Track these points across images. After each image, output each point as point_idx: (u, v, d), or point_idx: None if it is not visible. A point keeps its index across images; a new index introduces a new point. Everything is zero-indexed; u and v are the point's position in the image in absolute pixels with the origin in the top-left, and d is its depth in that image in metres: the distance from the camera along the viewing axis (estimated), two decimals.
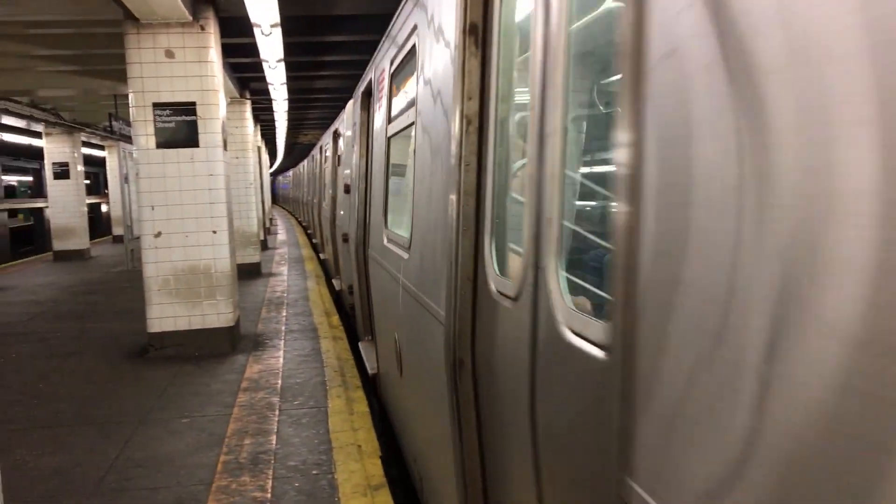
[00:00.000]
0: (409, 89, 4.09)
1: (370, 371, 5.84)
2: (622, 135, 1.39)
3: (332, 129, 12.04)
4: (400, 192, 4.70)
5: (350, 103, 8.15)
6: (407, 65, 4.19)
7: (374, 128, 5.68)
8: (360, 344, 6.75)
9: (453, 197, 2.64)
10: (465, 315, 2.61)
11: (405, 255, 3.83)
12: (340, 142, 9.85)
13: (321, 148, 14.48)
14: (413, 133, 3.71)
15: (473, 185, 2.57)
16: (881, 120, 0.83)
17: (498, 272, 2.41)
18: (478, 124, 2.56)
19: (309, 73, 12.94)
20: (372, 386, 5.92)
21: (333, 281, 11.20)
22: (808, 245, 0.93)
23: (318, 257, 16.35)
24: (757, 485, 1.03)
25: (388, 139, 4.84)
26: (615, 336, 1.44)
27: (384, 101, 5.11)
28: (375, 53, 5.53)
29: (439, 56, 3.04)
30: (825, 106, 0.91)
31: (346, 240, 7.85)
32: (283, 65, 9.91)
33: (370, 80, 6.01)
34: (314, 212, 17.01)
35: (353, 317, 7.70)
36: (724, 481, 1.10)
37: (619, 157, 1.41)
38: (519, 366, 2.08)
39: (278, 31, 7.75)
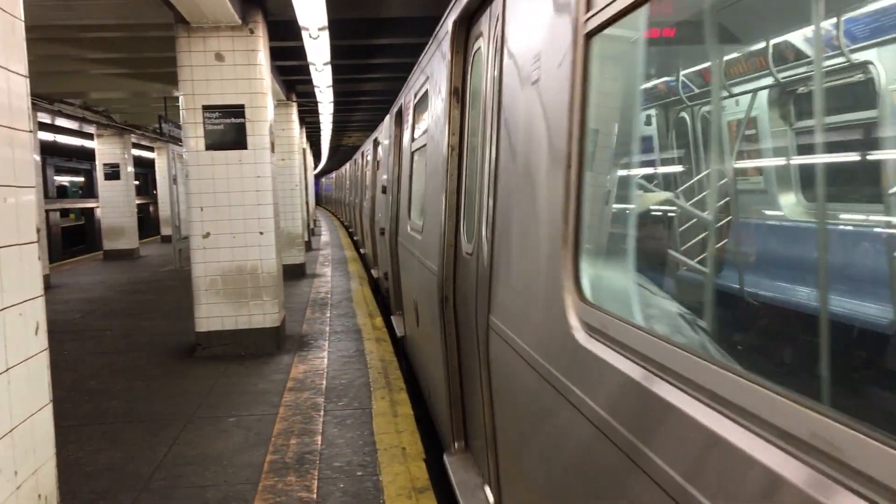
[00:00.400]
0: (424, 120, 5.42)
1: (398, 334, 7.45)
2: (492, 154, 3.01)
3: (372, 137, 13.39)
4: (417, 194, 5.85)
5: (387, 118, 9.50)
6: (422, 102, 5.53)
7: (403, 142, 6.99)
8: (392, 317, 8.26)
9: (443, 196, 4.03)
10: (449, 267, 3.96)
11: (419, 237, 5.22)
12: (379, 150, 11.10)
13: (363, 153, 15.67)
14: (425, 152, 4.98)
15: (455, 188, 3.97)
16: None
17: (466, 241, 3.70)
18: (458, 150, 3.91)
19: (355, 76, 13.04)
20: (402, 347, 7.55)
21: (372, 271, 12.64)
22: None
23: (359, 252, 17.98)
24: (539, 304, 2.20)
25: (412, 153, 6.13)
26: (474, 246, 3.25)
27: (409, 124, 6.57)
28: (406, 82, 6.63)
29: (438, 104, 4.43)
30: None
31: (382, 233, 9.18)
32: (329, 68, 9.98)
33: (401, 105, 7.39)
34: (356, 211, 18.60)
35: (388, 298, 9.05)
36: (528, 306, 2.34)
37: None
38: (470, 289, 3.42)
39: (326, 35, 7.81)
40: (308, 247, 18.83)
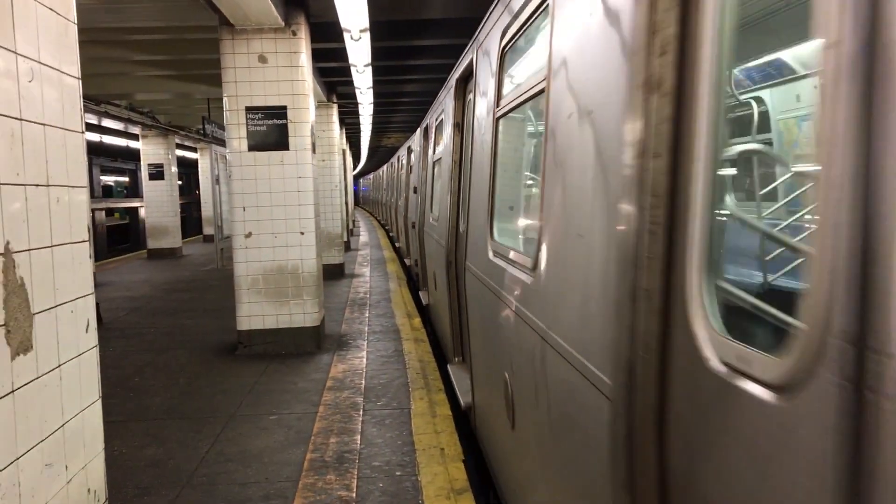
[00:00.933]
0: (441, 141, 7.52)
1: (424, 303, 9.18)
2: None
3: (406, 144, 15.39)
4: (436, 194, 7.81)
5: (418, 131, 11.35)
6: (440, 127, 7.69)
7: (428, 154, 8.79)
8: (420, 292, 10.08)
9: (449, 195, 5.92)
10: (452, 240, 5.87)
11: (436, 224, 7.02)
12: (411, 157, 13.05)
13: (398, 157, 17.68)
14: (440, 165, 6.53)
15: (456, 194, 5.42)
16: None
17: (462, 223, 5.23)
18: (458, 167, 5.26)
19: (395, 77, 13.09)
20: (428, 316, 9.30)
21: (405, 260, 14.30)
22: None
23: (395, 247, 19.81)
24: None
25: (433, 163, 7.95)
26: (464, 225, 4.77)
27: (432, 140, 8.97)
28: (431, 106, 8.50)
29: (447, 132, 6.14)
30: None
31: (413, 226, 11.04)
32: (370, 69, 10.04)
33: (428, 123, 9.15)
34: (392, 209, 21.16)
35: (418, 280, 10.98)
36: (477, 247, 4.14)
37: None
38: (461, 249, 4.85)
39: (367, 36, 7.85)
40: (347, 247, 18.96)
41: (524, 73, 3.59)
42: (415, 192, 10.45)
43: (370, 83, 11.38)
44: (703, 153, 1.53)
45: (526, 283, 2.84)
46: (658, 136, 1.66)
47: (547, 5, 2.67)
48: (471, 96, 4.13)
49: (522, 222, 4.03)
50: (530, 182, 3.95)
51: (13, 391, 2.15)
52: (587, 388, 2.01)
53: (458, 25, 9.11)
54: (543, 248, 2.54)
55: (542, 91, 2.70)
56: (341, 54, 9.47)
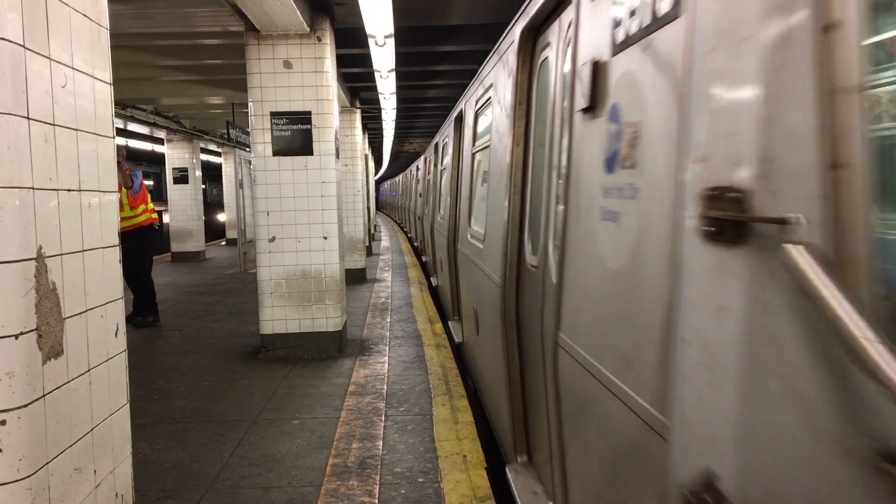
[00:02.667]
0: (443, 158, 9.08)
1: (456, 340, 7.95)
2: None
3: (423, 156, 16.52)
4: (478, 200, 6.77)
5: (431, 145, 12.82)
6: (442, 145, 9.33)
7: (464, 148, 7.96)
8: (449, 322, 9.13)
9: (506, 205, 4.23)
10: (512, 279, 4.13)
11: (481, 246, 5.86)
12: (429, 165, 14.08)
13: (416, 166, 18.93)
14: (486, 159, 5.56)
15: (519, 199, 4.14)
16: None
17: (531, 252, 4.18)
18: (523, 160, 4.12)
19: (418, 83, 13.11)
20: (460, 352, 8.17)
21: (423, 257, 15.50)
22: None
23: (412, 244, 21.72)
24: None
25: (473, 157, 7.11)
26: (540, 259, 3.51)
27: (439, 157, 10.52)
28: (467, 89, 7.64)
29: (501, 113, 4.81)
30: None
31: (422, 222, 13.27)
32: (394, 75, 10.05)
33: (436, 143, 10.48)
34: (409, 212, 24.21)
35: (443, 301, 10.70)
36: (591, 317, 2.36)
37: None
38: (536, 303, 3.68)
39: (391, 42, 7.86)
40: (369, 251, 18.99)
41: (484, 128, 5.69)
42: (420, 196, 13.03)
43: (393, 88, 11.40)
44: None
45: (480, 248, 5.24)
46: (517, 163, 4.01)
47: (489, 98, 5.23)
48: (549, 54, 3.38)
49: (478, 216, 5.92)
50: (483, 192, 5.75)
51: (44, 395, 2.16)
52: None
53: (480, 31, 9.11)
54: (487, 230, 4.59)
55: (488, 143, 5.01)
56: (365, 60, 9.49)
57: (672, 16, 1.78)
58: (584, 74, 2.42)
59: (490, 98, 5.27)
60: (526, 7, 3.87)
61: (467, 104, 7.03)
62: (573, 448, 2.74)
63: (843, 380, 1.24)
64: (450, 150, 7.92)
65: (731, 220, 1.45)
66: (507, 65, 4.44)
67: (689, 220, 1.61)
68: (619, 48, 2.16)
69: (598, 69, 2.32)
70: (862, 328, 1.16)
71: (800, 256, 1.27)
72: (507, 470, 4.08)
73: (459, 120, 7.90)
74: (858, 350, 1.15)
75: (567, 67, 2.96)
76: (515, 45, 4.09)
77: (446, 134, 8.89)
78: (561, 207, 2.77)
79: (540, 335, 3.33)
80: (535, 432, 3.77)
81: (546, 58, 3.62)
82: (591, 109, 2.36)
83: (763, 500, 1.40)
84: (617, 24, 2.18)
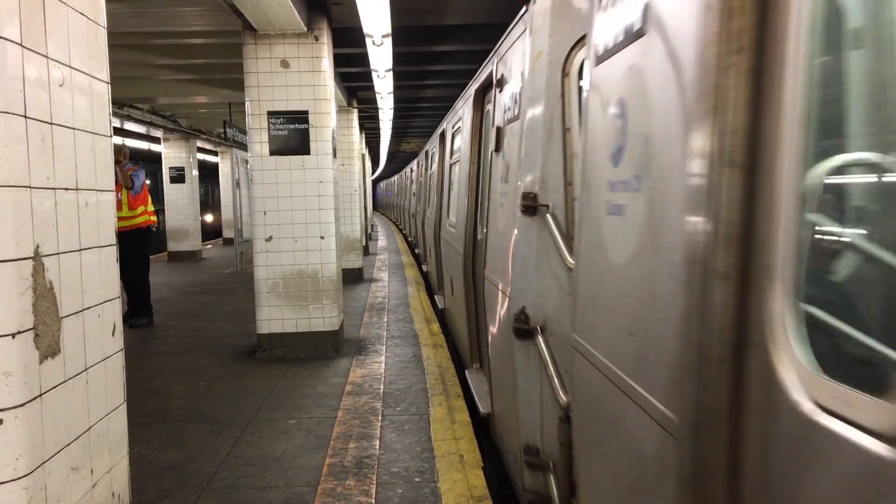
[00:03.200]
0: (432, 164, 9.83)
1: (440, 307, 9.48)
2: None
3: (416, 160, 18.01)
4: (453, 199, 8.31)
5: (422, 153, 13.40)
6: (430, 154, 10.29)
7: (445, 160, 9.44)
8: (435, 296, 10.51)
9: (466, 202, 6.18)
10: (469, 244, 6.12)
11: (453, 230, 7.48)
12: (430, 161, 14.29)
13: (418, 162, 18.90)
14: (456, 169, 7.49)
15: (474, 197, 5.99)
16: None
17: (480, 230, 5.68)
18: (477, 171, 5.93)
19: (415, 83, 13.11)
20: (443, 318, 9.50)
21: (423, 266, 15.05)
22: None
23: (413, 251, 21.13)
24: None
25: (450, 168, 8.56)
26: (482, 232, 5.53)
27: (428, 163, 10.96)
28: (447, 113, 9.48)
29: (435, 158, 8.30)
30: None
31: (423, 227, 12.88)
32: (391, 74, 10.05)
33: (426, 151, 11.14)
34: (403, 210, 26.51)
35: (418, 253, 13.14)
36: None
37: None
38: (479, 257, 5.69)
39: (389, 42, 7.87)
40: (366, 251, 18.99)
41: (457, 146, 7.45)
42: (414, 195, 13.42)
43: (391, 88, 11.40)
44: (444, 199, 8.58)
45: (453, 232, 6.36)
46: (473, 175, 6.12)
47: (459, 127, 6.94)
48: (443, 147, 6.49)
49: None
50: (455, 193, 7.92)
51: (41, 395, 2.16)
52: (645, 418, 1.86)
53: (477, 31, 9.11)
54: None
55: (458, 158, 6.57)
56: (363, 59, 9.49)
57: (513, 117, 3.98)
58: (493, 133, 4.68)
59: (459, 126, 7.44)
60: (478, 75, 6.09)
61: (447, 125, 9.22)
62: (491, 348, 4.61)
63: (561, 263, 2.86)
64: (436, 159, 10.24)
65: (530, 205, 3.20)
66: (467, 108, 6.65)
67: (519, 207, 3.34)
68: (507, 122, 4.21)
69: (499, 130, 4.46)
70: (564, 248, 2.84)
71: (551, 219, 3.02)
72: (465, 372, 6.17)
73: (442, 137, 9.94)
74: (562, 253, 2.85)
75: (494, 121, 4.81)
76: (471, 100, 6.32)
77: (434, 145, 11.04)
78: (487, 203, 4.96)
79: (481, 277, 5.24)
80: (483, 349, 5.41)
81: (487, 110, 5.69)
82: (497, 150, 4.49)
83: (538, 314, 3.18)
84: (506, 109, 4.28)
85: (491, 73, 5.08)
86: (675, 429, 1.58)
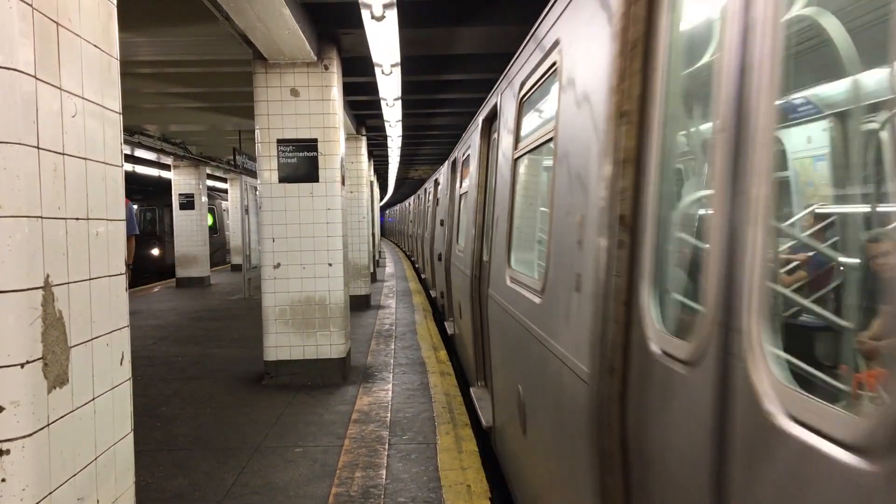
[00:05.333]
0: (468, 175, 8.16)
1: (449, 333, 9.81)
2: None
3: (434, 176, 16.84)
4: (462, 226, 8.64)
5: (445, 164, 12.16)
6: (467, 161, 8.31)
7: (455, 188, 9.87)
8: (445, 322, 10.65)
9: (474, 228, 6.40)
10: (476, 267, 6.35)
11: (461, 255, 7.86)
12: (438, 190, 14.29)
13: (425, 190, 19.14)
14: (467, 197, 7.77)
15: (481, 222, 6.18)
16: None
17: (485, 253, 5.92)
18: (483, 199, 6.11)
19: (424, 111, 13.19)
20: (453, 344, 9.84)
21: (431, 292, 14.98)
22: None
23: (420, 277, 21.33)
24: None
25: (460, 196, 9.11)
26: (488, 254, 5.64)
27: (459, 175, 9.68)
28: (459, 141, 9.66)
29: (475, 166, 6.71)
30: None
31: (440, 258, 11.28)
32: (399, 103, 10.12)
33: (456, 157, 10.06)
34: (418, 241, 23.03)
35: (443, 312, 11.47)
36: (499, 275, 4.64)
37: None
38: (485, 278, 5.79)
39: (398, 71, 7.93)
40: (373, 278, 18.99)
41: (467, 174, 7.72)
42: (441, 224, 11.53)
43: (399, 116, 11.47)
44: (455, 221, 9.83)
45: (461, 256, 6.57)
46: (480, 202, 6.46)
47: (469, 153, 7.48)
48: (496, 136, 5.59)
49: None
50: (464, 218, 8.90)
51: (48, 425, 2.15)
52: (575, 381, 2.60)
53: (486, 60, 9.18)
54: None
55: (468, 187, 7.03)
56: (371, 88, 9.56)
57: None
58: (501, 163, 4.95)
59: (469, 154, 7.83)
60: (484, 105, 6.35)
61: (458, 153, 9.49)
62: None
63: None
64: (447, 187, 10.77)
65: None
66: (475, 137, 7.01)
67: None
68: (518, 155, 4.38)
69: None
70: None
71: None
72: (470, 389, 6.60)
73: (453, 165, 10.25)
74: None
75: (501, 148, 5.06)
76: (479, 129, 6.66)
77: (443, 173, 11.57)
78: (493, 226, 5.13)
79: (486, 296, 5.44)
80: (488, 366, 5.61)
81: (493, 139, 5.97)
82: None
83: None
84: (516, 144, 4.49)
85: (496, 105, 5.44)
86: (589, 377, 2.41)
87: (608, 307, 2.23)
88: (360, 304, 13.83)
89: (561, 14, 3.12)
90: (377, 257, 25.73)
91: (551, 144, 3.19)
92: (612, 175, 2.20)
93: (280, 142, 7.59)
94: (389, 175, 27.57)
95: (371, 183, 20.78)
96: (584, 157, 2.58)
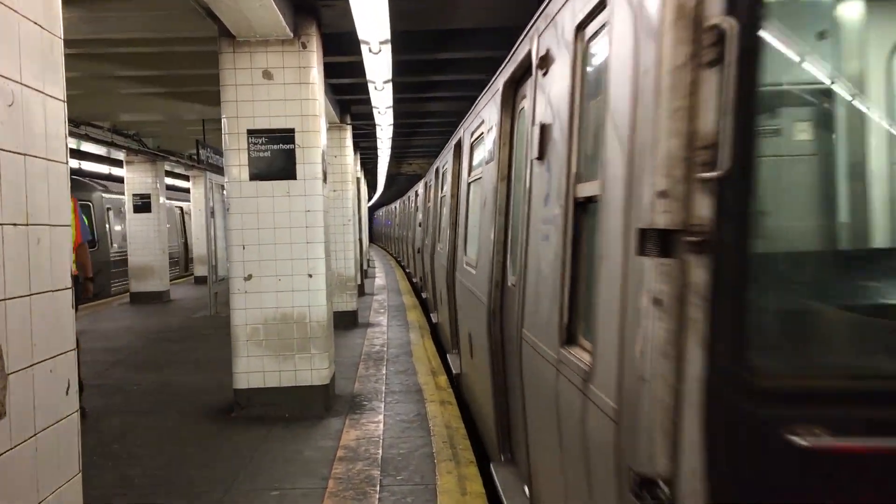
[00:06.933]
0: (444, 186, 10.35)
1: (454, 371, 8.81)
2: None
3: (423, 180, 18.38)
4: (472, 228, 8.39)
5: (431, 170, 14.38)
6: (444, 172, 10.54)
7: (439, 193, 11.58)
8: (448, 356, 9.77)
9: (492, 233, 5.68)
10: (497, 294, 5.65)
11: (472, 272, 7.03)
12: (426, 192, 16.48)
13: (416, 191, 21.02)
14: (443, 203, 10.06)
15: (503, 226, 5.60)
16: None
17: (511, 273, 5.42)
18: (506, 194, 5.52)
19: (419, 95, 13.20)
20: (458, 386, 8.89)
21: (413, 279, 18.10)
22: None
23: (411, 281, 23.69)
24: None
25: (440, 200, 10.95)
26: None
27: (444, 180, 10.95)
28: (464, 118, 8.73)
29: (491, 150, 6.10)
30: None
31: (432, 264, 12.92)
32: (390, 86, 10.12)
33: (437, 168, 11.98)
34: (408, 245, 26.05)
35: (425, 298, 14.52)
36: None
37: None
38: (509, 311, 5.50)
39: (388, 49, 7.94)
40: (361, 291, 19.01)
41: (478, 159, 7.28)
42: (420, 226, 15.94)
43: (390, 102, 11.49)
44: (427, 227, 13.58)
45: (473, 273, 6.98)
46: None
47: (481, 130, 6.89)
48: (525, 105, 4.88)
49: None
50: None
51: None
52: None
53: (489, 36, 9.18)
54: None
55: (479, 174, 6.82)
56: (357, 69, 9.57)
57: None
58: (534, 133, 3.98)
59: (481, 133, 6.86)
60: (507, 63, 5.33)
61: (464, 133, 8.44)
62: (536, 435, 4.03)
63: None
64: (449, 177, 10.06)
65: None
66: (492, 108, 6.04)
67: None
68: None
69: (544, 129, 3.82)
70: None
71: None
72: (491, 465, 5.47)
73: (458, 148, 9.27)
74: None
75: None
76: (498, 95, 5.59)
77: (446, 161, 10.96)
78: (526, 233, 4.24)
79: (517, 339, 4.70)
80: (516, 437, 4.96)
81: (522, 108, 5.06)
82: (541, 158, 3.87)
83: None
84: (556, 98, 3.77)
85: (529, 53, 4.40)
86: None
87: (494, 265, 5.19)
88: (345, 322, 13.84)
89: (477, 115, 6.24)
90: (366, 267, 25.75)
91: (481, 180, 6.12)
92: (499, 204, 5.24)
93: (251, 132, 7.60)
94: (379, 171, 27.61)
95: (358, 180, 20.83)
96: (492, 193, 5.53)
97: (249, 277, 7.67)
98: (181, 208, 27.94)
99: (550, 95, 3.78)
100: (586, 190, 3.03)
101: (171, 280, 21.03)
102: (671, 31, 2.04)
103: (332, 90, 12.27)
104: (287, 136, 7.62)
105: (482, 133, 6.78)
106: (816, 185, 2.72)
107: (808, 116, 2.61)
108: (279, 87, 7.59)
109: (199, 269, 24.34)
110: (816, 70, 2.60)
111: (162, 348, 12.21)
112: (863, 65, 2.78)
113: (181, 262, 27.61)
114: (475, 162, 7.52)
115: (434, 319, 13.28)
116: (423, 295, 17.46)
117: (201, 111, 13.97)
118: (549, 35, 3.82)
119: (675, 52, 2.03)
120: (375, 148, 19.69)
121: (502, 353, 5.34)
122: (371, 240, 54.41)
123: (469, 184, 7.85)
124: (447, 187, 10.11)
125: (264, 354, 7.72)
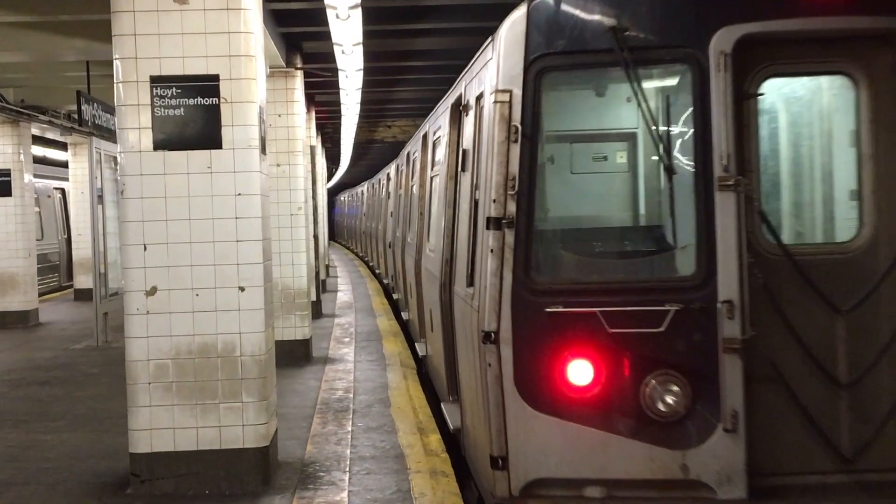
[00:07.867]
0: (414, 175, 15.97)
1: (420, 354, 13.56)
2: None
3: (395, 162, 23.29)
4: (434, 219, 12.34)
5: (402, 153, 19.41)
6: (414, 160, 16.26)
7: (410, 181, 16.17)
8: (416, 344, 14.48)
9: (442, 221, 10.32)
10: (446, 271, 9.62)
11: (398, 232, 18.05)
12: (397, 176, 21.48)
13: (388, 174, 26.48)
14: (412, 193, 16.08)
15: (451, 215, 9.70)
16: None
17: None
18: (454, 188, 9.52)
19: (399, 27, 13.21)
20: (426, 371, 13.67)
21: (403, 314, 19.38)
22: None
23: (382, 283, 28.56)
24: None
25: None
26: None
27: (414, 168, 16.05)
28: (429, 115, 13.21)
29: (444, 151, 10.84)
30: None
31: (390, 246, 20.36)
32: (359, 11, 10.07)
33: (408, 153, 17.35)
34: (374, 238, 33.49)
35: (396, 299, 19.93)
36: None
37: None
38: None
39: None
40: (318, 311, 19.00)
41: (438, 157, 11.89)
42: (391, 216, 21.05)
43: (359, 37, 11.45)
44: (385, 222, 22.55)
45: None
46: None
47: (440, 133, 11.78)
48: (427, 151, 10.99)
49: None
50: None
51: None
52: None
53: None
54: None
55: (438, 171, 11.75)
56: None
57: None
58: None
59: (439, 136, 11.58)
60: (453, 90, 9.87)
61: (430, 128, 13.25)
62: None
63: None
64: (418, 167, 15.06)
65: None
66: (445, 119, 10.54)
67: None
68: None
69: (465, 153, 8.51)
70: None
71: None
72: (441, 405, 9.98)
73: (424, 140, 14.13)
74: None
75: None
76: (448, 113, 10.13)
77: (416, 148, 16.08)
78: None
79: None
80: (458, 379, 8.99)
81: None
82: (464, 170, 8.39)
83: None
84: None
85: (460, 97, 8.87)
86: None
87: (444, 246, 9.34)
88: (294, 356, 13.86)
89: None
90: (324, 275, 25.73)
91: (437, 176, 11.15)
92: (448, 198, 9.59)
93: (156, 80, 7.54)
94: (343, 136, 27.62)
95: (313, 150, 20.84)
96: (443, 190, 9.98)
97: (153, 291, 7.62)
98: (63, 190, 27.87)
99: (465, 131, 8.38)
100: (476, 195, 7.09)
101: (40, 295, 20.93)
102: (497, 125, 6.15)
103: (276, 19, 12.24)
104: (208, 85, 7.57)
105: (440, 136, 11.42)
106: (564, 195, 7.32)
107: (565, 154, 7.34)
108: (197, 15, 7.52)
109: (83, 280, 24.14)
110: (570, 127, 7.48)
111: (25, 395, 12.17)
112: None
113: (61, 268, 27.57)
114: (437, 158, 12.04)
115: (405, 317, 17.71)
116: (395, 296, 21.94)
117: (85, 49, 13.90)
118: (469, 90, 8.06)
119: (499, 134, 6.12)
120: (338, 104, 19.69)
121: (451, 328, 8.97)
122: (332, 236, 54.47)
123: (432, 178, 12.77)
124: (416, 177, 15.08)
125: (175, 403, 7.67)
